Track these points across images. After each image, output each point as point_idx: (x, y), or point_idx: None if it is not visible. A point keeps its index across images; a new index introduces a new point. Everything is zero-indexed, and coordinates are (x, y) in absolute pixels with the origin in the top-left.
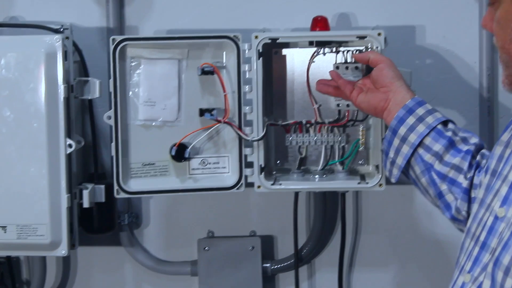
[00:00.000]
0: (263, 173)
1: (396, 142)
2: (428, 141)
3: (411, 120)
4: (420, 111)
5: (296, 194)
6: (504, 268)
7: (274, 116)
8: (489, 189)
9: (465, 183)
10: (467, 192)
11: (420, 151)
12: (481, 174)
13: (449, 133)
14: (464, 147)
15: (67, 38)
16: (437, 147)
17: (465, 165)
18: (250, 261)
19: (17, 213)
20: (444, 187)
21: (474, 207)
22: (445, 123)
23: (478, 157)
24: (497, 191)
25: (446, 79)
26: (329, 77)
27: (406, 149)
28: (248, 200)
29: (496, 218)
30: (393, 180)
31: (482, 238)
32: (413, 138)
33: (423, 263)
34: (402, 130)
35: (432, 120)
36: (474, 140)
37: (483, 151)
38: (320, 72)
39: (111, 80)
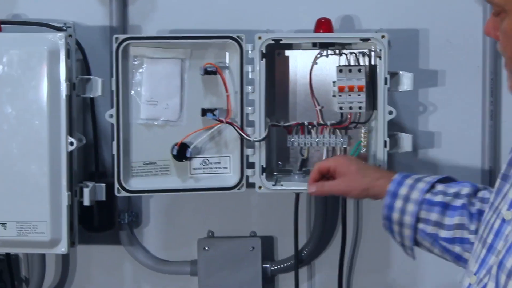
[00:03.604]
0: (264, 173)
1: (396, 228)
2: (423, 214)
3: (398, 203)
4: (403, 190)
5: (297, 195)
6: (507, 271)
7: (276, 117)
8: (499, 193)
9: (473, 238)
10: None
11: (421, 226)
12: None
13: (439, 198)
14: (459, 202)
15: (70, 36)
16: (434, 216)
17: (465, 220)
18: (250, 261)
19: (18, 210)
20: (457, 249)
21: (485, 211)
22: (432, 186)
23: (478, 205)
24: (505, 194)
25: (449, 83)
26: (329, 80)
27: (407, 232)
28: (249, 200)
29: (503, 221)
30: (412, 258)
31: (489, 240)
32: (408, 219)
33: (424, 266)
34: (396, 216)
35: (418, 195)
36: (466, 190)
37: (481, 194)
38: (323, 74)
39: (114, 79)
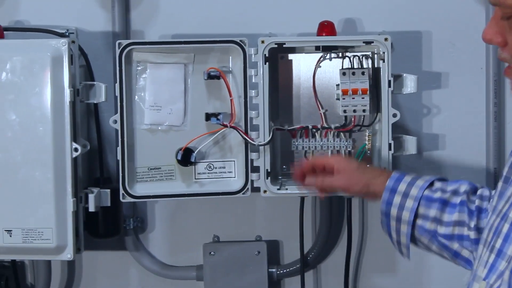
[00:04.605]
0: (269, 177)
1: (393, 224)
2: (422, 210)
3: (397, 199)
4: (402, 187)
5: (302, 199)
6: None
7: (280, 121)
8: (502, 196)
9: (472, 234)
10: (478, 241)
11: (419, 222)
12: (488, 215)
13: (438, 194)
14: (458, 200)
15: (73, 42)
16: (433, 212)
17: (465, 217)
18: (256, 266)
19: (23, 217)
20: (456, 245)
21: (488, 215)
22: (431, 184)
23: (477, 202)
24: (510, 197)
25: (452, 85)
26: (332, 83)
27: (405, 228)
28: (254, 204)
29: None
30: (407, 258)
31: (497, 245)
32: (406, 215)
33: (430, 269)
34: (394, 212)
35: (417, 191)
36: (464, 187)
37: (480, 192)
38: (326, 77)
39: (117, 84)
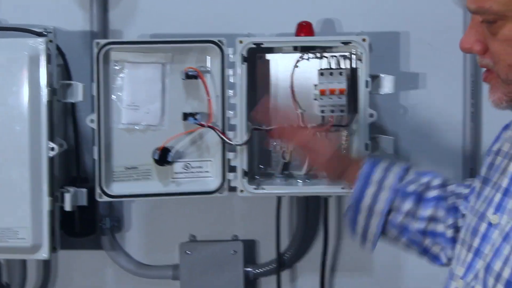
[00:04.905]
0: (246, 177)
1: (363, 215)
2: (396, 203)
3: (371, 190)
4: (378, 173)
5: (279, 198)
6: (495, 274)
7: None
8: (480, 196)
9: (449, 232)
10: (454, 240)
11: (391, 215)
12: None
13: (412, 187)
14: (432, 194)
15: (50, 41)
16: (407, 206)
17: (441, 213)
18: (232, 265)
19: None
20: (427, 241)
21: (466, 215)
22: (404, 172)
23: (451, 199)
24: (489, 198)
25: (430, 85)
26: (310, 83)
27: (376, 220)
28: (231, 204)
29: (490, 225)
30: (369, 251)
31: (475, 244)
32: (380, 207)
33: (406, 268)
34: (367, 201)
35: (392, 181)
36: (436, 181)
37: (451, 188)
38: (304, 78)
39: (95, 84)
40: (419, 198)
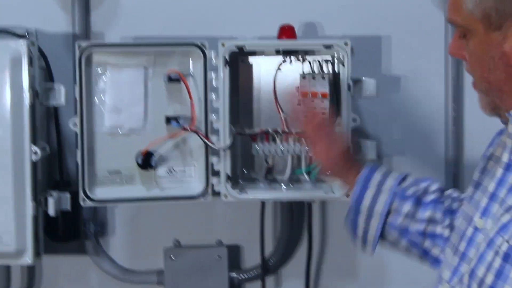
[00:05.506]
0: (229, 182)
1: (362, 217)
2: (395, 205)
3: (370, 192)
4: (377, 177)
5: (263, 203)
6: (479, 280)
7: (240, 125)
8: (471, 200)
9: (446, 232)
10: None
11: (390, 217)
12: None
13: (411, 191)
14: (430, 197)
15: (32, 43)
16: (406, 208)
17: (439, 215)
18: (217, 270)
19: None
20: (427, 243)
21: (458, 218)
22: (402, 179)
23: (447, 202)
24: (478, 202)
25: (412, 89)
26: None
27: (376, 222)
28: (215, 209)
29: (476, 229)
30: (370, 254)
31: (461, 248)
32: (379, 209)
33: (391, 272)
34: (366, 204)
35: (392, 183)
36: (434, 186)
37: (448, 193)
38: (287, 81)
39: (77, 87)
40: (418, 201)
